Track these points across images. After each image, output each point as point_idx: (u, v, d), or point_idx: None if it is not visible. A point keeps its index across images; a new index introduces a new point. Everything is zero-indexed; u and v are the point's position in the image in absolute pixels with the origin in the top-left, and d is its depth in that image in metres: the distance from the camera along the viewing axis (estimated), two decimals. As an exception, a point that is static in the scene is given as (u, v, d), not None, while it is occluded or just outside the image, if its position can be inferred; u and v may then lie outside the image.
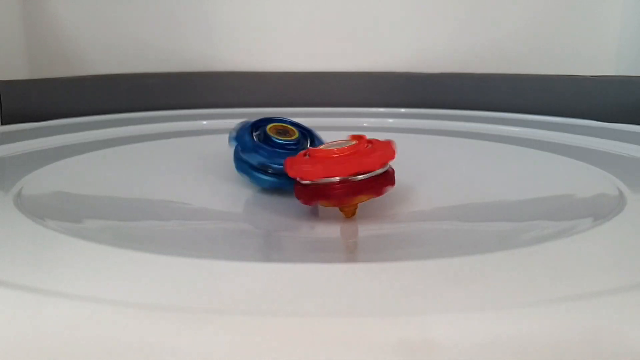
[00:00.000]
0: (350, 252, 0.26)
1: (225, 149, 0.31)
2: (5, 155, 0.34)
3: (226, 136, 0.30)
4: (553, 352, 0.12)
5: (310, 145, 0.31)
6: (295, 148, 0.30)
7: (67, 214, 0.25)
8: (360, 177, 0.25)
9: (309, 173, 0.26)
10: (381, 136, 0.31)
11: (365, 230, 0.28)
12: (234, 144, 0.31)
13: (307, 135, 0.32)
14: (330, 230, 0.28)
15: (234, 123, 0.48)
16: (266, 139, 0.30)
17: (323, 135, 0.32)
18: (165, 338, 0.13)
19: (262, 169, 0.30)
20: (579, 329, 0.13)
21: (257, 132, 0.31)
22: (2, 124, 0.47)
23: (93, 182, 0.30)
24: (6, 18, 0.54)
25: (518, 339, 0.13)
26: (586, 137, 0.39)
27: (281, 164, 0.28)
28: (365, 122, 0.48)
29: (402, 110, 0.53)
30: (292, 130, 0.31)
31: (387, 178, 0.26)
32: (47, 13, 0.55)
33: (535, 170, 0.33)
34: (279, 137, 0.30)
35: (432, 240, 0.26)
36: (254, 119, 0.32)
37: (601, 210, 0.23)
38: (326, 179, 0.25)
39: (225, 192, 0.32)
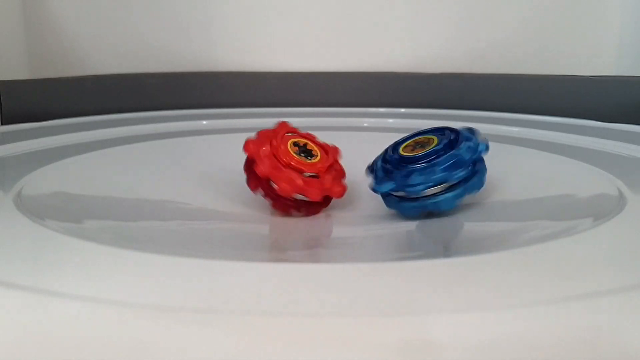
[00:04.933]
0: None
1: (225, 149, 0.31)
2: (5, 155, 0.34)
3: (226, 136, 0.30)
4: (553, 352, 0.12)
5: (453, 147, 0.26)
6: (430, 159, 0.26)
7: (67, 214, 0.25)
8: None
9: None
10: (382, 136, 0.31)
11: (365, 230, 0.28)
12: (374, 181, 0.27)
13: (453, 138, 0.27)
14: (330, 231, 0.28)
15: (234, 123, 0.48)
16: (401, 161, 0.27)
17: (322, 135, 0.31)
18: (166, 338, 0.13)
19: (406, 196, 0.26)
20: (579, 329, 0.13)
21: (393, 155, 0.27)
22: (2, 124, 0.47)
23: (93, 182, 0.30)
24: (6, 18, 0.54)
25: (518, 339, 0.13)
26: (586, 137, 0.38)
27: (414, 184, 0.25)
28: (366, 122, 0.48)
29: (402, 110, 0.53)
30: (432, 139, 0.27)
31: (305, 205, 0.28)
32: (47, 13, 0.55)
33: (536, 170, 0.33)
34: (411, 153, 0.26)
35: (432, 240, 0.26)
36: (390, 145, 0.28)
37: (601, 210, 0.23)
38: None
39: (225, 192, 0.32)
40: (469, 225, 0.27)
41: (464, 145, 0.26)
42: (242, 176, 0.30)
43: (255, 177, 0.28)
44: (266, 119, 0.48)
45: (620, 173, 0.28)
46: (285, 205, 0.28)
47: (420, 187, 0.25)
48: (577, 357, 0.12)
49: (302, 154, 0.28)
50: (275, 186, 0.27)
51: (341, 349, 0.13)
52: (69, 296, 0.15)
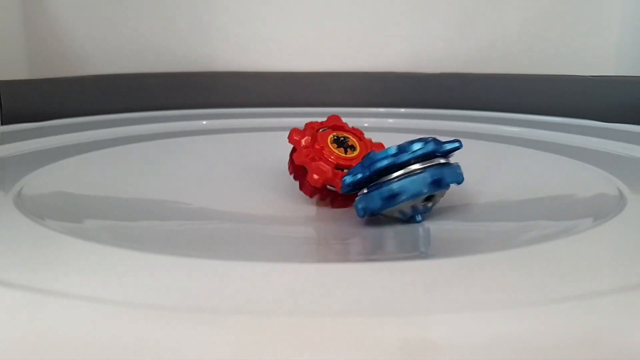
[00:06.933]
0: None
1: (225, 149, 0.31)
2: (5, 155, 0.34)
3: (226, 136, 0.30)
4: (553, 352, 0.12)
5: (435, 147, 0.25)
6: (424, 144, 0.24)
7: (67, 214, 0.25)
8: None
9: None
10: (382, 136, 0.31)
11: (365, 230, 0.28)
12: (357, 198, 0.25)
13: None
14: (330, 230, 0.28)
15: (234, 123, 0.48)
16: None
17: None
18: (165, 338, 0.13)
19: (372, 184, 0.25)
20: (579, 329, 0.13)
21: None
22: (2, 124, 0.47)
23: (93, 182, 0.30)
24: (6, 18, 0.54)
25: (518, 339, 0.13)
26: (586, 137, 0.38)
27: (378, 159, 0.24)
28: (366, 122, 0.48)
29: (402, 110, 0.53)
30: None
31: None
32: (47, 13, 0.55)
33: (535, 170, 0.33)
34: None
35: (432, 240, 0.26)
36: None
37: (601, 210, 0.23)
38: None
39: (225, 192, 0.32)
40: (468, 225, 0.27)
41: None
42: (241, 176, 0.31)
43: (294, 164, 0.29)
44: (266, 119, 0.49)
45: (620, 173, 0.28)
46: (321, 193, 0.29)
47: (384, 161, 0.24)
48: (577, 357, 0.12)
49: (342, 148, 0.29)
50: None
51: (341, 349, 0.13)
52: (68, 296, 0.15)
